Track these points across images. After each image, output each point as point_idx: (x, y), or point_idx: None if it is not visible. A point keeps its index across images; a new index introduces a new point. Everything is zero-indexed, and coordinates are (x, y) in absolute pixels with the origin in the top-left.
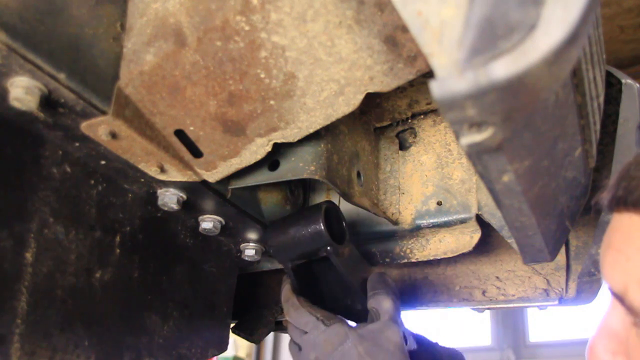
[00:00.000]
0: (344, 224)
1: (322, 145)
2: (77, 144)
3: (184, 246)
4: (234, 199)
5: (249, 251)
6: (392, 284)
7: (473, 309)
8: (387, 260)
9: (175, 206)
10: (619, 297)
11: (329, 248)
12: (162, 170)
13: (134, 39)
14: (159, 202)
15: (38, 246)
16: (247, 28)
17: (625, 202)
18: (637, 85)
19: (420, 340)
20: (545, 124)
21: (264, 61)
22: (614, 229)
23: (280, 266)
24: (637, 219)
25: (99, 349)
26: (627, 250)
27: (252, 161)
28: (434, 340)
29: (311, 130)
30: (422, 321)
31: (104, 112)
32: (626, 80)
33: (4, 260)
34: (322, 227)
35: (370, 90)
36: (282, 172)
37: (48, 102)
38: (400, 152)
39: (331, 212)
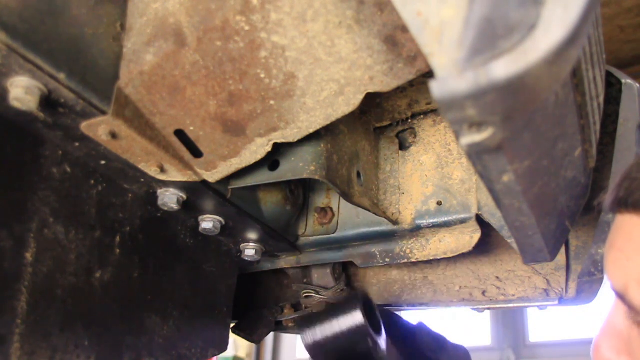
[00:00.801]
0: (377, 313)
1: (322, 145)
2: (77, 144)
3: (184, 246)
4: (234, 199)
5: (249, 251)
6: None
7: (473, 309)
8: (387, 260)
9: (175, 206)
10: (620, 296)
11: (371, 344)
12: (162, 170)
13: (134, 39)
14: (159, 202)
15: (38, 246)
16: (247, 28)
17: (627, 203)
18: (637, 85)
19: (429, 332)
20: (545, 124)
21: (264, 61)
22: (616, 230)
23: (279, 266)
24: (637, 220)
25: (99, 349)
26: (628, 250)
27: (252, 161)
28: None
29: (311, 130)
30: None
31: (104, 112)
32: (626, 80)
33: (4, 260)
34: (364, 321)
35: (370, 90)
36: (282, 172)
37: (48, 102)
38: (400, 152)
39: (367, 304)
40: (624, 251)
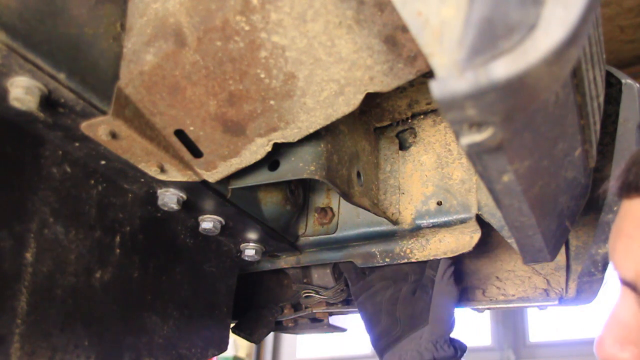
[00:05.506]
0: None
1: (322, 145)
2: (77, 144)
3: (184, 246)
4: (234, 199)
5: (249, 251)
6: None
7: (473, 309)
8: (387, 260)
9: (175, 206)
10: (631, 285)
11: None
12: (162, 170)
13: (134, 39)
14: (159, 202)
15: (38, 246)
16: (247, 28)
17: (637, 187)
18: (637, 85)
19: None
20: (545, 124)
21: (264, 61)
22: (625, 216)
23: (279, 266)
24: None
25: (99, 349)
26: (638, 236)
27: (252, 161)
28: None
29: (311, 130)
30: None
31: (104, 112)
32: (626, 80)
33: (4, 260)
34: None
35: (370, 90)
36: (282, 172)
37: (48, 102)
38: (400, 152)
39: None
40: (635, 238)
